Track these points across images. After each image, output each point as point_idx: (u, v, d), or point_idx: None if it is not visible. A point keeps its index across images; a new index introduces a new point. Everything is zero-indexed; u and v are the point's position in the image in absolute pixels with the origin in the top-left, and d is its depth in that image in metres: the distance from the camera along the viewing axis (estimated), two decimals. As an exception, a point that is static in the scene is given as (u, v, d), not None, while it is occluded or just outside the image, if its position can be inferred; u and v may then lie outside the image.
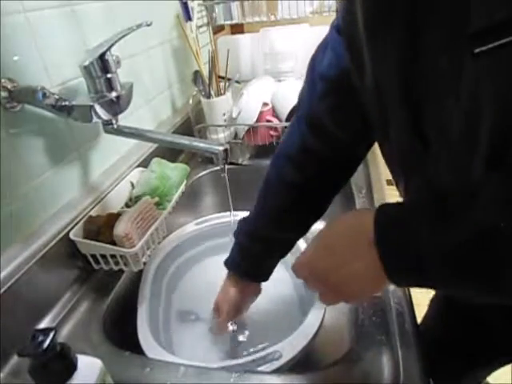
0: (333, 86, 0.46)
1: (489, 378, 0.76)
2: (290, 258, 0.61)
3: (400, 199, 0.38)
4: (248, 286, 0.62)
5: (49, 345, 0.34)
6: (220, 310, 0.62)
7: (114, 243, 0.58)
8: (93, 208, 0.64)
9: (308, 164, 0.51)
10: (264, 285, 0.64)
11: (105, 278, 0.63)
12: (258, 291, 0.64)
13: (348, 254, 0.32)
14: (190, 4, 0.98)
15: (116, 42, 0.53)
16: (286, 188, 0.54)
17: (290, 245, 0.60)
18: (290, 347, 0.50)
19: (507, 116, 0.23)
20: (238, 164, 0.96)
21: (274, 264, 0.62)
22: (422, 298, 0.71)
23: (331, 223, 0.36)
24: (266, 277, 0.62)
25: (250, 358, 0.49)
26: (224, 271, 0.63)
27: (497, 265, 0.25)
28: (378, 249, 0.28)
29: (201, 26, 1.07)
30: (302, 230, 0.58)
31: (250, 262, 0.59)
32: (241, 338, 0.65)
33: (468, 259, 0.26)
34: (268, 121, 0.94)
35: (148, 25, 0.53)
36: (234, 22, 1.11)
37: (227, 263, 0.62)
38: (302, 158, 0.52)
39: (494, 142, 0.24)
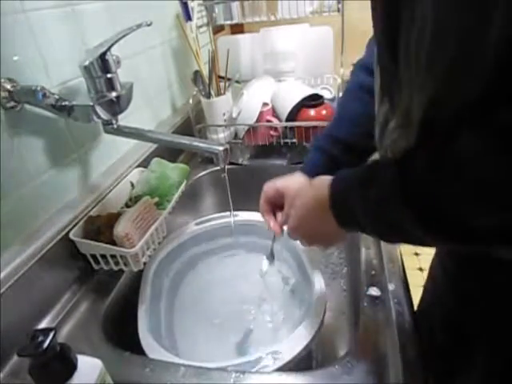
0: None
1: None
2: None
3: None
4: None
5: (49, 345, 0.34)
6: (285, 196, 0.55)
7: (114, 243, 0.58)
8: (93, 208, 0.64)
9: None
10: (264, 285, 0.64)
11: (105, 278, 0.63)
12: None
13: (316, 220, 0.45)
14: (190, 4, 0.98)
15: (116, 41, 0.53)
16: (365, 93, 0.55)
17: (366, 153, 0.58)
18: (290, 347, 0.50)
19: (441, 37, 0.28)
20: (238, 164, 0.96)
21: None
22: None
23: (300, 195, 0.47)
24: None
25: (250, 358, 0.49)
26: (224, 271, 0.63)
27: (400, 214, 0.34)
28: (333, 212, 0.42)
29: (201, 26, 1.07)
30: None
31: (324, 163, 0.59)
32: (241, 338, 0.65)
33: (379, 211, 0.36)
34: (268, 121, 0.94)
35: (148, 25, 0.53)
36: (234, 22, 1.11)
37: (301, 168, 0.60)
38: None
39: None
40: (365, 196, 0.37)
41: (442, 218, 0.31)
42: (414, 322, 0.49)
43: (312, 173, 0.58)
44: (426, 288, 0.65)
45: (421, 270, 1.80)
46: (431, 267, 0.63)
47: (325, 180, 0.43)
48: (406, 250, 0.58)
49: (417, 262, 1.85)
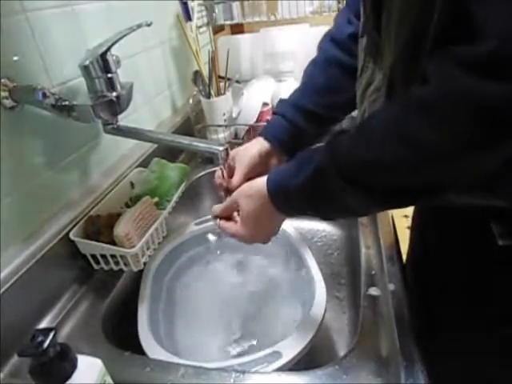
0: None
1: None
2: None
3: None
4: (272, 154, 0.61)
5: (49, 345, 0.34)
6: (237, 163, 0.59)
7: (114, 243, 0.58)
8: (93, 208, 0.64)
9: (356, 50, 0.52)
10: (264, 285, 0.64)
11: (105, 277, 0.63)
12: (277, 162, 0.62)
13: (264, 219, 0.49)
14: (190, 4, 0.98)
15: (116, 41, 0.53)
16: (333, 65, 0.58)
17: (326, 125, 0.62)
18: (290, 347, 0.50)
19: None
20: (237, 164, 0.96)
21: (305, 142, 0.61)
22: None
23: (243, 200, 0.50)
24: (293, 152, 0.59)
25: (250, 358, 0.49)
26: (224, 271, 0.63)
27: (329, 191, 0.39)
28: (275, 206, 0.46)
29: (201, 26, 1.07)
30: (341, 112, 0.61)
31: (288, 131, 0.59)
32: (241, 338, 0.65)
33: (311, 192, 0.41)
34: (268, 121, 0.94)
35: (148, 25, 0.53)
36: (234, 22, 1.12)
37: (262, 131, 0.62)
38: (350, 45, 0.55)
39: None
40: (300, 175, 0.42)
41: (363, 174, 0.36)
42: (413, 322, 0.49)
43: (273, 137, 0.60)
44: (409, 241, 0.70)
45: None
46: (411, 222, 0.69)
47: (262, 181, 0.47)
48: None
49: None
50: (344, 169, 0.37)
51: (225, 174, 0.59)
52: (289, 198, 0.44)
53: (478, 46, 0.27)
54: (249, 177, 0.57)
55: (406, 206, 0.39)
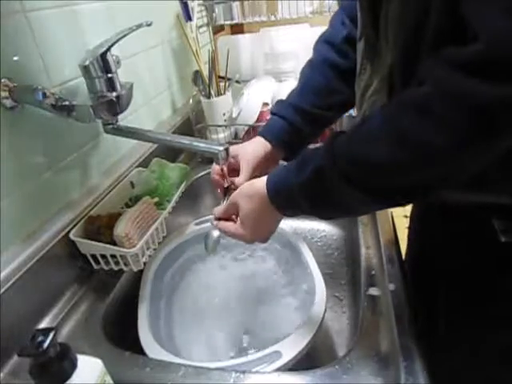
0: None
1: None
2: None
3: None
4: (273, 154, 0.62)
5: (49, 345, 0.34)
6: (243, 163, 0.60)
7: (114, 243, 0.58)
8: (93, 208, 0.64)
9: (351, 52, 0.55)
10: (264, 285, 0.64)
11: (105, 277, 0.63)
12: (275, 162, 0.64)
13: (264, 219, 0.50)
14: (190, 4, 0.98)
15: (116, 42, 0.53)
16: (329, 67, 0.59)
17: (322, 125, 0.63)
18: (290, 347, 0.50)
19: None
20: (237, 164, 0.96)
21: (303, 142, 0.63)
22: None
23: (242, 200, 0.50)
24: (292, 152, 0.63)
25: (250, 358, 0.49)
26: (224, 272, 0.63)
27: (329, 191, 0.40)
28: (275, 206, 0.46)
29: (201, 26, 1.07)
30: (337, 112, 0.63)
31: (287, 131, 0.61)
32: (241, 338, 0.65)
33: (312, 191, 0.42)
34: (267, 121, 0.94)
35: (148, 25, 0.53)
36: (234, 22, 1.12)
37: (261, 132, 0.63)
38: (345, 47, 0.57)
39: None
40: (301, 175, 0.42)
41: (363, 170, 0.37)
42: (413, 322, 0.49)
43: (272, 136, 0.61)
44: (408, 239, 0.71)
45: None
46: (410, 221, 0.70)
47: (262, 181, 0.48)
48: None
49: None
50: (343, 169, 0.38)
51: (225, 171, 0.59)
52: (288, 198, 0.45)
53: (469, 48, 0.28)
54: (254, 176, 0.58)
55: (406, 204, 0.39)
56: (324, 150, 0.41)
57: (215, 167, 0.61)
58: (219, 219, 0.55)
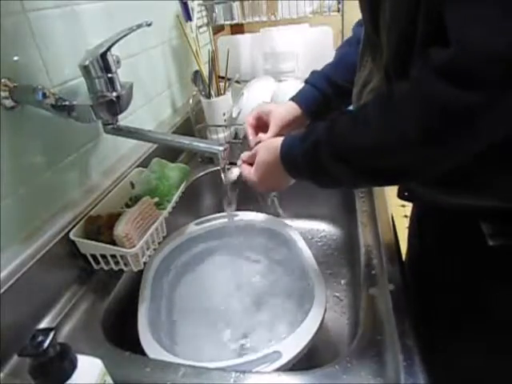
0: None
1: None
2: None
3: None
4: (300, 117, 0.67)
5: (49, 345, 0.34)
6: (272, 120, 0.65)
7: (114, 243, 0.58)
8: (93, 208, 0.64)
9: None
10: (264, 285, 0.64)
11: (105, 277, 0.63)
12: (302, 126, 0.68)
13: (273, 173, 0.55)
14: (190, 4, 0.98)
15: (116, 41, 0.53)
16: None
17: (350, 99, 0.66)
18: (290, 347, 0.50)
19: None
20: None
21: (329, 112, 0.68)
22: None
23: (262, 150, 0.56)
24: (318, 116, 0.68)
25: (250, 358, 0.49)
26: (223, 272, 0.63)
27: (323, 163, 0.44)
28: (283, 165, 0.51)
29: (201, 26, 1.07)
30: None
31: (318, 100, 0.66)
32: (241, 338, 0.65)
33: (310, 160, 0.46)
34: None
35: (148, 25, 0.53)
36: (234, 22, 1.12)
37: (294, 97, 0.68)
38: None
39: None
40: (304, 144, 0.47)
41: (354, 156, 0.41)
42: (413, 321, 0.49)
43: (304, 104, 0.67)
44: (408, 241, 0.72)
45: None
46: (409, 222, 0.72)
47: (281, 140, 0.53)
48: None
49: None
50: (333, 146, 0.43)
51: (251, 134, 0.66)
52: (294, 163, 0.50)
53: (443, 51, 0.30)
54: (280, 134, 0.63)
55: (385, 184, 0.46)
56: (325, 126, 0.45)
57: (249, 118, 0.68)
58: (244, 162, 0.61)
